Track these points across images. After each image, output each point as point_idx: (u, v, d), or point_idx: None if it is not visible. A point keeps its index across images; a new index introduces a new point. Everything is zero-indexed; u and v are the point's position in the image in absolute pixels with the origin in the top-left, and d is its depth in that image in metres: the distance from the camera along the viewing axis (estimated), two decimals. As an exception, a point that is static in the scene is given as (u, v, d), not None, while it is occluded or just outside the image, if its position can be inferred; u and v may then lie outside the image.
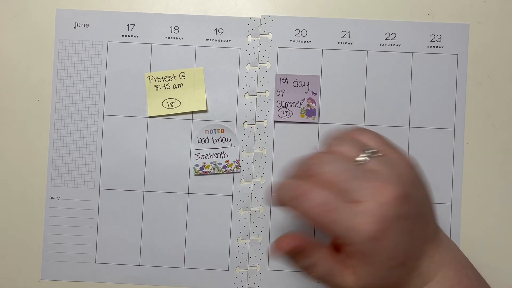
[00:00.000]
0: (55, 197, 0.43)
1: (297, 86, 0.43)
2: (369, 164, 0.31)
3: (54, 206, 0.43)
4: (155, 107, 0.43)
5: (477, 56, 0.43)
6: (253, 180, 0.43)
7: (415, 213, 0.30)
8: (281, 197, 0.31)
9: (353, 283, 0.31)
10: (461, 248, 0.41)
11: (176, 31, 0.44)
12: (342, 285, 0.32)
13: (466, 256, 0.34)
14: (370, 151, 0.31)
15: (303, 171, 0.31)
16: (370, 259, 0.30)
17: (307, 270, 0.32)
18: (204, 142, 0.43)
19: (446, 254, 0.33)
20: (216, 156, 0.43)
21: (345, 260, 0.32)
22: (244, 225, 0.43)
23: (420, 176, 0.32)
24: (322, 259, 0.32)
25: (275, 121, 0.43)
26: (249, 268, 0.43)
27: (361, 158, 0.31)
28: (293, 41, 0.43)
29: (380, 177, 0.30)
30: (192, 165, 0.43)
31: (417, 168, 0.32)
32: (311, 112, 0.43)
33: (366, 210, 0.28)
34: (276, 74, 0.43)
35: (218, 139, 0.43)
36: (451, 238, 0.42)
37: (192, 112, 0.43)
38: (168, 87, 0.43)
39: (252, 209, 0.43)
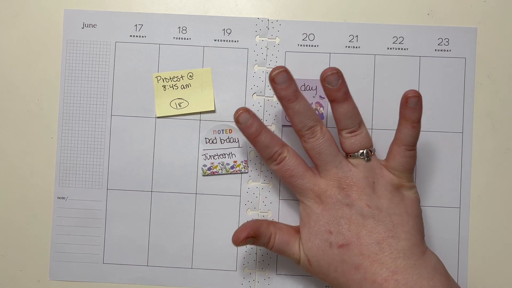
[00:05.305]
0: (63, 198, 0.43)
1: (305, 90, 0.43)
2: (354, 160, 0.37)
3: (62, 206, 0.43)
4: (163, 108, 0.43)
5: (476, 56, 0.43)
6: (261, 183, 0.43)
7: (369, 213, 0.35)
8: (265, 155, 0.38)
9: (300, 249, 0.38)
10: (469, 252, 0.42)
11: (184, 31, 0.44)
12: (292, 252, 0.38)
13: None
14: (365, 152, 0.37)
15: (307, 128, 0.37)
16: (309, 221, 0.37)
17: (266, 245, 0.38)
18: (212, 142, 0.43)
19: (418, 282, 0.34)
20: (224, 156, 0.43)
21: (296, 229, 0.39)
22: (252, 225, 0.43)
23: (396, 194, 0.37)
24: (277, 232, 0.38)
25: (283, 125, 0.43)
26: (257, 272, 0.43)
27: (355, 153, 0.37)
28: (301, 45, 0.43)
29: (349, 171, 0.37)
30: (200, 166, 0.43)
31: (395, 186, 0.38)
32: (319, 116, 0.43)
33: (319, 183, 0.37)
34: (284, 78, 0.43)
35: (226, 140, 0.43)
36: (460, 242, 0.42)
37: (200, 113, 0.43)
38: (176, 87, 0.43)
39: (260, 212, 0.43)
